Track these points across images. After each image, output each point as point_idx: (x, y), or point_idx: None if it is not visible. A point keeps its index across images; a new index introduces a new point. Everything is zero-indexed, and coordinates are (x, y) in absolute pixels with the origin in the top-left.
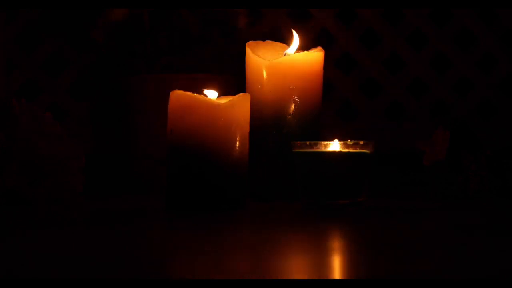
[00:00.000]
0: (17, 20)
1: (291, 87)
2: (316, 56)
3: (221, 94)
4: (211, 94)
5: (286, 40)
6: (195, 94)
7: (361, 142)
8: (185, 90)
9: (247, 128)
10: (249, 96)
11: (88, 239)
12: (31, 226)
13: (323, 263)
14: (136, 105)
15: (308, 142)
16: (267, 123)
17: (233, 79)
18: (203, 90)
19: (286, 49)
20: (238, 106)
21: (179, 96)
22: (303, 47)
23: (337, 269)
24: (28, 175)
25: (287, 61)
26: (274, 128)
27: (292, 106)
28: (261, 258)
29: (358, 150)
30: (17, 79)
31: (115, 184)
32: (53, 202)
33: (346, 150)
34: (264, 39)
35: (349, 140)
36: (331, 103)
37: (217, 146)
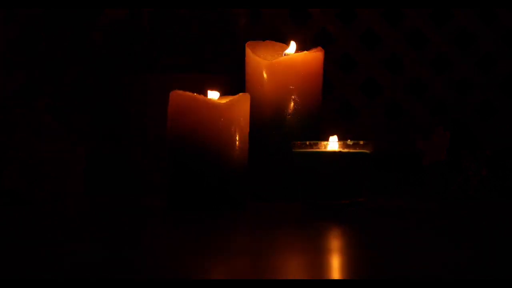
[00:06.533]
0: (17, 20)
1: (291, 87)
2: (316, 56)
3: (221, 94)
4: (213, 94)
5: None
6: (195, 94)
7: (361, 142)
8: (185, 90)
9: (247, 128)
10: (249, 96)
11: (88, 239)
12: (31, 226)
13: (323, 263)
14: (136, 105)
15: (308, 142)
16: (267, 123)
17: (233, 79)
18: (207, 91)
19: (286, 49)
20: (238, 106)
21: (179, 96)
22: (303, 47)
23: (337, 269)
24: (28, 175)
25: (287, 61)
26: (274, 128)
27: (292, 106)
28: (261, 258)
29: (358, 150)
30: (17, 79)
31: (116, 184)
32: (54, 202)
33: (346, 150)
34: (264, 39)
35: (349, 140)
36: (331, 103)
37: (217, 146)
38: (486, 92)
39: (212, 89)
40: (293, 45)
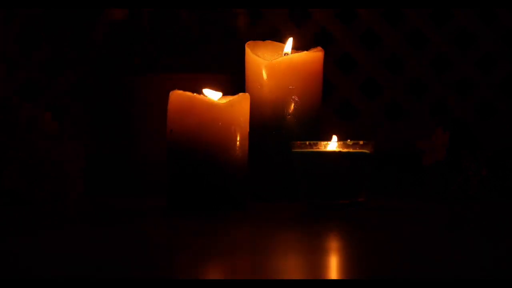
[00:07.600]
0: (17, 20)
1: (291, 87)
2: (316, 56)
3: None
4: (214, 94)
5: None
6: (195, 94)
7: (361, 142)
8: (185, 90)
9: (247, 128)
10: (249, 96)
11: (88, 239)
12: (31, 226)
13: (323, 263)
14: (136, 105)
15: (308, 142)
16: (267, 123)
17: (233, 79)
18: (201, 90)
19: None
20: (238, 106)
21: (179, 96)
22: (303, 47)
23: (336, 269)
24: (28, 175)
25: (287, 61)
26: (274, 128)
27: (292, 106)
28: (261, 258)
29: (358, 150)
30: (17, 79)
31: (116, 184)
32: (54, 202)
33: (346, 150)
34: (264, 39)
35: (349, 140)
36: (331, 103)
37: (217, 146)
38: (486, 92)
39: (212, 89)
40: (290, 42)
